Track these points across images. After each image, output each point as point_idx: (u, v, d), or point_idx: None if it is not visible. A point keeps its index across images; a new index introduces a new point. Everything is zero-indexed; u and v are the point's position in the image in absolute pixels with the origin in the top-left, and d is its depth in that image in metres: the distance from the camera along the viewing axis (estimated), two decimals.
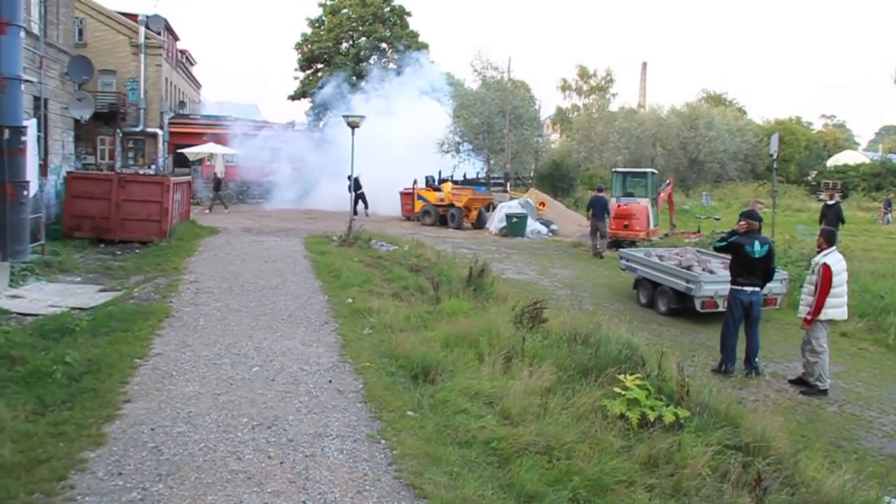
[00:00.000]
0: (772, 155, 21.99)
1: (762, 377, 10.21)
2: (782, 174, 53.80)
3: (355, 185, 28.41)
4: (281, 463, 5.76)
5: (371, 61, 53.49)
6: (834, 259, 9.71)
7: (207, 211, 31.03)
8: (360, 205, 32.29)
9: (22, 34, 12.43)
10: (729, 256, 10.95)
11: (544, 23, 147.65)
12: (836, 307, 9.74)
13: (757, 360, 10.46)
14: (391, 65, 52.10)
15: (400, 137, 35.23)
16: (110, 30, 41.33)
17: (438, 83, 49.17)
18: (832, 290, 9.56)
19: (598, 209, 23.51)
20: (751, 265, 10.33)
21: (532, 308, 10.33)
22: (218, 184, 34.45)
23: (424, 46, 58.34)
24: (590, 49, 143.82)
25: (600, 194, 24.22)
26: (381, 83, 47.30)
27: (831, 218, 22.72)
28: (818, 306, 9.55)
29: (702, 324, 13.35)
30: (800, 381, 9.88)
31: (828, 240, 9.96)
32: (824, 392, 9.64)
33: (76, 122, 23.06)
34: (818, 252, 10.03)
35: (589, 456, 6.05)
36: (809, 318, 9.63)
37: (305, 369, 8.27)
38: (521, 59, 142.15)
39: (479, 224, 31.57)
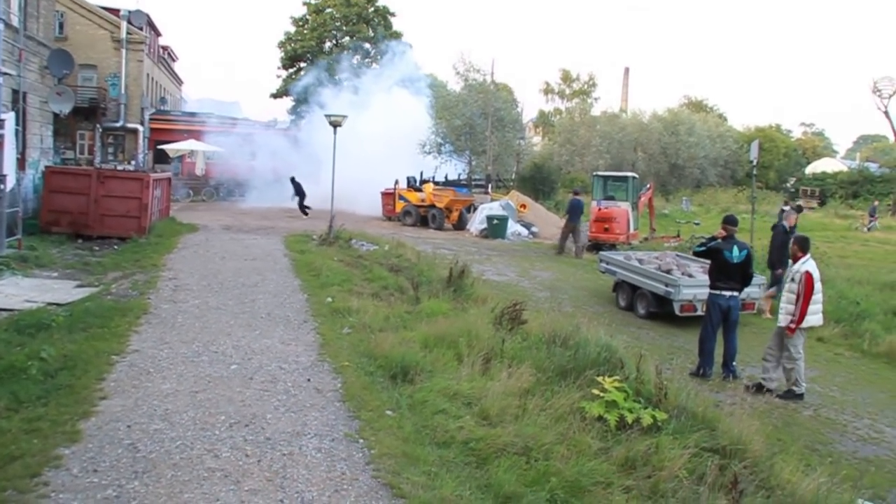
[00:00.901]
0: (752, 161, 22.18)
1: (739, 381, 10.25)
2: (762, 180, 54.24)
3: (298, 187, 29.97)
4: (258, 461, 5.73)
5: (354, 60, 53.29)
6: (812, 266, 9.75)
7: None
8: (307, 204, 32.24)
9: (1, 26, 12.32)
10: (708, 261, 10.99)
11: (528, 26, 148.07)
12: (815, 314, 9.78)
13: (734, 363, 10.52)
14: (374, 65, 51.94)
15: (377, 134, 35.01)
16: (92, 24, 40.97)
17: (414, 73, 49.19)
18: (813, 297, 9.61)
19: (575, 212, 23.86)
20: (729, 270, 10.38)
21: (512, 310, 10.35)
22: None
23: (408, 47, 58.30)
24: (573, 53, 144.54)
25: (578, 197, 24.55)
26: (355, 76, 47.26)
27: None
28: (802, 314, 9.55)
29: (680, 327, 13.41)
30: (759, 388, 9.79)
31: (802, 247, 9.95)
32: (800, 396, 9.67)
33: (55, 116, 22.85)
34: (794, 260, 10.03)
35: (567, 457, 6.06)
36: (794, 325, 9.59)
37: (284, 368, 8.24)
38: (505, 61, 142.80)
39: (460, 225, 31.62)
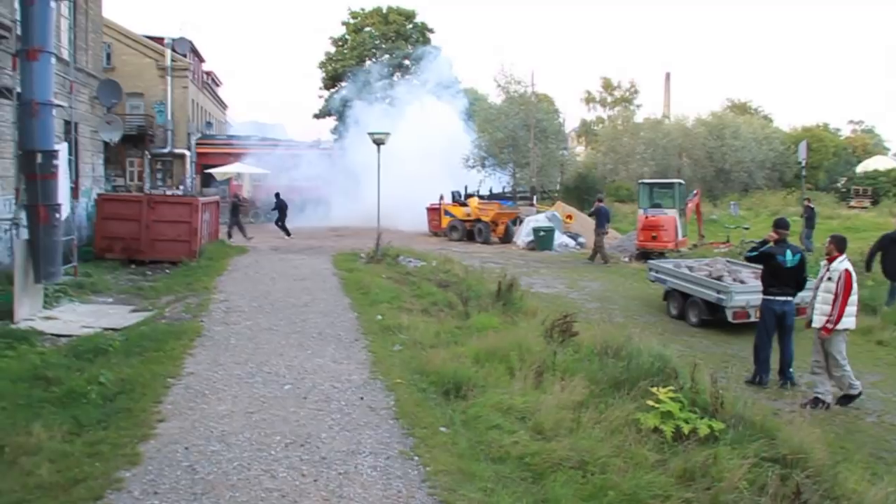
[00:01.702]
0: (800, 162, 21.86)
1: (797, 388, 10.05)
2: (811, 181, 53.21)
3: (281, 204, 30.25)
4: (315, 481, 5.76)
5: (395, 77, 53.72)
6: (850, 266, 9.49)
7: (229, 239, 28.29)
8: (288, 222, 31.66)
9: (53, 60, 12.64)
10: (760, 266, 10.82)
11: (567, 36, 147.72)
12: (850, 316, 9.45)
13: (791, 370, 10.32)
14: (415, 81, 52.23)
15: (413, 148, 35.04)
16: (137, 53, 41.93)
17: (448, 77, 49.46)
18: (850, 299, 9.33)
19: (604, 218, 24.58)
20: (782, 275, 10.21)
21: (562, 322, 10.30)
22: (236, 208, 30.45)
23: (438, 49, 58.53)
24: (613, 60, 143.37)
25: (603, 204, 25.24)
26: (389, 86, 47.63)
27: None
28: (840, 314, 9.25)
29: (734, 335, 13.22)
30: (815, 403, 9.35)
31: (839, 247, 9.63)
32: (858, 395, 9.41)
33: (106, 144, 23.34)
34: (829, 259, 9.69)
35: (623, 470, 5.99)
36: (830, 326, 9.27)
37: (337, 387, 8.29)
38: (545, 72, 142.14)
39: (507, 238, 31.58)
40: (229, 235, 27.78)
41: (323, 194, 39.72)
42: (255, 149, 43.58)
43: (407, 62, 56.54)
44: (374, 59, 57.87)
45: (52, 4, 12.50)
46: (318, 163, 41.61)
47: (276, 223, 31.48)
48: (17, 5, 13.14)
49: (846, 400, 9.43)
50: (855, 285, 9.39)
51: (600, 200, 25.87)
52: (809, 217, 26.87)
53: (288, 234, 30.76)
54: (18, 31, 12.75)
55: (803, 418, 7.27)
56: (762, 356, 10.28)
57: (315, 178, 40.25)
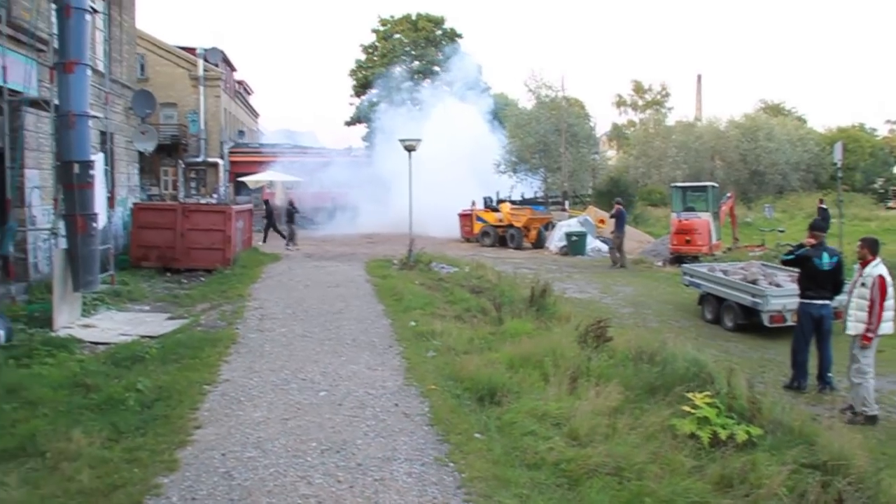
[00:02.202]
0: (836, 164, 21.56)
1: (836, 393, 9.90)
2: (847, 183, 52.50)
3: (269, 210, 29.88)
4: (351, 487, 5.78)
5: (425, 84, 53.92)
6: (884, 269, 9.13)
7: (262, 243, 28.51)
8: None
9: (89, 72, 12.84)
10: (797, 270, 10.68)
11: (598, 39, 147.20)
12: (887, 321, 9.08)
13: (830, 375, 10.14)
14: (444, 87, 52.39)
15: (440, 153, 34.95)
16: (170, 64, 42.52)
17: (473, 76, 49.65)
18: (885, 304, 8.98)
19: (622, 222, 25.05)
20: (819, 278, 10.06)
21: (596, 327, 10.25)
22: (291, 215, 29.66)
23: (478, 70, 58.64)
24: (644, 63, 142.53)
25: (622, 207, 25.63)
26: (416, 90, 47.86)
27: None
28: (879, 320, 8.92)
29: (770, 339, 13.07)
30: (854, 411, 9.02)
31: (872, 250, 9.30)
32: (873, 419, 8.83)
33: (140, 154, 23.66)
34: (862, 264, 9.35)
35: (660, 476, 5.95)
36: (871, 335, 8.92)
37: (371, 393, 8.31)
38: (575, 76, 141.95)
39: (539, 244, 31.50)
40: (287, 242, 27.97)
41: (353, 201, 39.90)
42: (287, 157, 43.95)
43: (436, 68, 56.65)
44: (403, 66, 58.09)
45: (88, 17, 12.69)
46: (349, 170, 41.83)
47: (267, 229, 31.29)
48: (54, 19, 13.36)
49: (855, 415, 8.90)
50: (891, 289, 9.04)
51: (620, 203, 26.07)
52: (824, 218, 26.75)
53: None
54: (55, 45, 12.96)
55: (843, 424, 7.18)
56: (799, 360, 10.13)
57: (345, 184, 40.47)
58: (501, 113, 50.42)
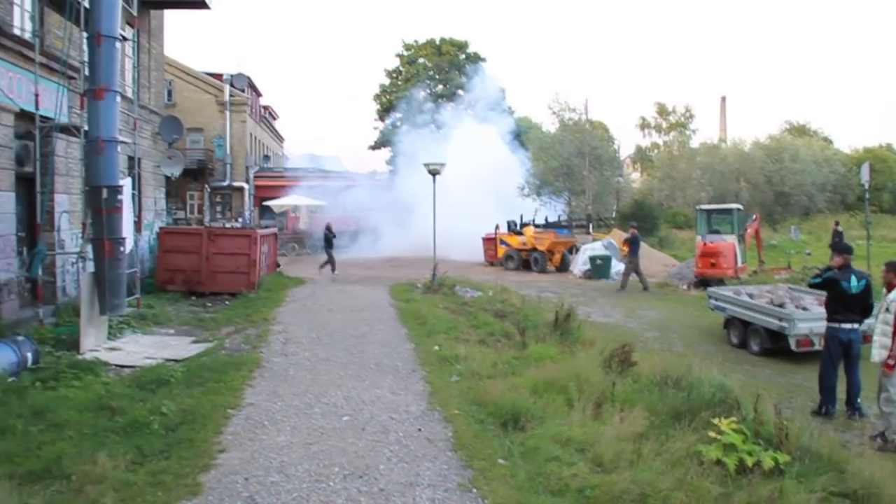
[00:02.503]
0: (863, 185, 21.38)
1: (866, 419, 9.74)
2: (875, 203, 52.02)
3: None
4: None
5: (448, 107, 54.25)
6: None
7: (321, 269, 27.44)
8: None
9: (118, 99, 13.03)
10: (824, 293, 10.55)
11: (621, 61, 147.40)
12: None
13: (859, 400, 9.96)
14: (468, 111, 52.65)
15: (461, 176, 34.82)
16: (197, 89, 43.01)
17: (496, 97, 49.80)
18: None
19: (636, 246, 24.98)
20: (848, 301, 9.93)
21: (620, 351, 10.20)
22: (328, 240, 28.11)
23: (501, 91, 58.85)
24: (668, 85, 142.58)
25: (636, 231, 25.77)
26: (436, 113, 48.15)
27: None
28: None
29: (798, 364, 12.93)
30: (883, 437, 8.86)
31: None
32: None
33: (167, 178, 23.91)
34: (888, 288, 9.16)
35: None
36: (892, 363, 8.66)
37: (395, 418, 8.30)
38: (599, 98, 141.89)
39: (563, 267, 31.41)
40: (332, 269, 27.17)
41: (376, 224, 40.01)
42: (312, 181, 44.24)
43: (460, 92, 56.93)
44: (426, 90, 58.41)
45: (118, 45, 12.90)
46: (372, 193, 42.02)
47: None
48: (85, 47, 13.60)
49: (886, 442, 8.70)
50: None
51: (634, 227, 26.25)
52: (838, 242, 26.56)
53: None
54: (86, 72, 13.18)
55: (873, 451, 7.07)
56: (827, 386, 9.98)
57: (369, 208, 40.64)
58: (525, 136, 50.55)
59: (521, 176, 42.11)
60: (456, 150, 37.22)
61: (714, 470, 6.60)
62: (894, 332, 8.74)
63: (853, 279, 9.92)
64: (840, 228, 29.65)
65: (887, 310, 8.98)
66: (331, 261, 27.54)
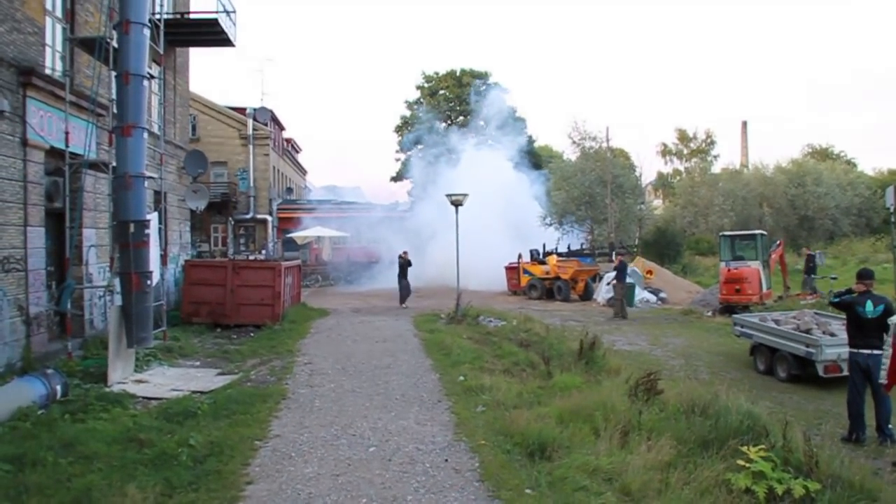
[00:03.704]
0: (888, 208, 21.21)
1: None
2: None
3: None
4: None
5: (469, 138, 54.65)
6: None
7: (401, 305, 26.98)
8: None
9: (145, 135, 13.25)
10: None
11: (641, 88, 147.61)
12: None
13: (890, 426, 9.84)
14: (490, 141, 52.93)
15: (482, 207, 34.39)
16: (221, 124, 43.46)
17: (508, 115, 50.30)
18: None
19: (624, 273, 25.41)
20: (865, 326, 9.87)
21: (646, 380, 10.14)
22: (403, 269, 27.78)
23: (521, 120, 59.10)
24: (688, 111, 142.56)
25: (623, 259, 26.33)
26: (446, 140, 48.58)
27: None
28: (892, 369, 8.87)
29: (826, 390, 12.80)
30: None
31: None
32: None
33: (192, 212, 24.15)
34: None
35: None
36: (886, 381, 8.91)
37: (421, 448, 8.30)
38: (619, 126, 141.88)
39: (587, 295, 31.34)
40: (401, 299, 27.07)
41: (396, 255, 40.10)
42: (334, 213, 44.53)
43: (482, 123, 57.22)
44: (448, 122, 58.79)
45: (145, 83, 13.14)
46: (394, 224, 42.17)
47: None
48: (113, 85, 13.86)
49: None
50: None
51: (622, 254, 27.14)
52: (811, 268, 28.46)
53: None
54: (114, 109, 13.42)
55: None
56: (854, 412, 9.88)
57: (390, 239, 40.77)
58: (547, 166, 50.68)
59: (533, 196, 42.33)
60: (470, 177, 37.25)
61: (744, 499, 6.57)
62: (893, 351, 8.86)
63: (869, 304, 9.88)
64: (814, 253, 29.52)
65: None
66: (404, 291, 27.29)
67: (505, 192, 40.52)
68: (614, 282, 25.94)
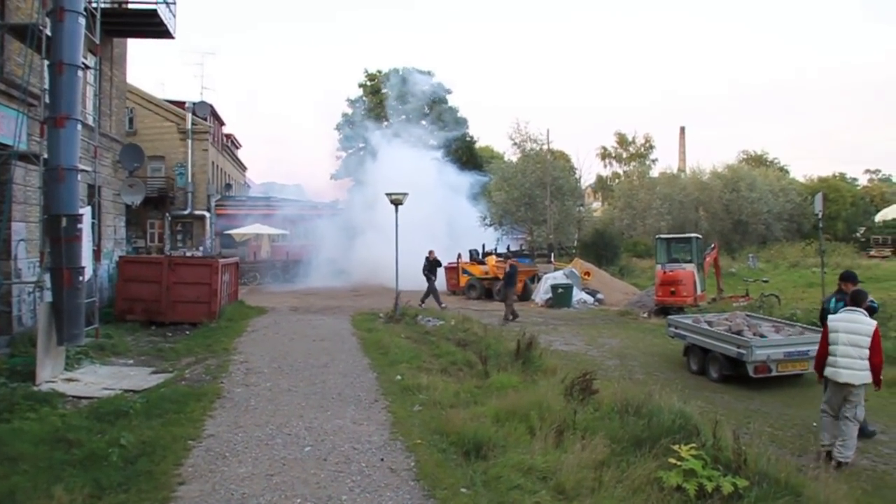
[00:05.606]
0: (817, 214, 21.81)
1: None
2: (829, 232, 53.10)
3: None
4: None
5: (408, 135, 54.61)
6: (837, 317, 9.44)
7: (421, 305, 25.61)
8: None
9: (79, 127, 12.93)
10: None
11: (582, 92, 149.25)
12: (830, 366, 9.29)
13: (871, 428, 10.21)
14: (432, 140, 52.88)
15: (419, 207, 34.24)
16: (159, 117, 42.61)
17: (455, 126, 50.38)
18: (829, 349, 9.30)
19: (513, 278, 24.65)
20: None
21: (582, 380, 10.25)
22: (433, 267, 27.18)
23: (464, 121, 59.18)
24: (628, 115, 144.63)
25: (514, 264, 25.53)
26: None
27: None
28: (818, 363, 9.52)
29: (756, 390, 13.11)
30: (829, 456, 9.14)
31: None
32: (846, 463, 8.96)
33: (127, 207, 23.68)
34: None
35: None
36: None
37: (357, 448, 8.26)
38: (560, 129, 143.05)
39: (525, 296, 31.46)
40: (437, 301, 26.36)
41: (336, 253, 39.85)
42: (273, 210, 44.09)
43: (423, 122, 57.12)
44: (387, 121, 58.60)
45: (80, 73, 12.83)
46: (333, 222, 41.93)
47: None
48: (46, 75, 13.50)
49: (839, 465, 8.94)
50: (833, 335, 9.20)
51: (512, 260, 26.20)
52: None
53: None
54: (47, 99, 13.07)
55: (828, 474, 7.18)
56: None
57: (329, 237, 40.54)
58: (487, 167, 50.86)
59: (468, 197, 42.51)
60: (402, 175, 37.13)
61: (675, 496, 6.67)
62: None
63: (832, 301, 10.50)
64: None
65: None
66: (433, 292, 26.69)
67: (443, 191, 40.54)
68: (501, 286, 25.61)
